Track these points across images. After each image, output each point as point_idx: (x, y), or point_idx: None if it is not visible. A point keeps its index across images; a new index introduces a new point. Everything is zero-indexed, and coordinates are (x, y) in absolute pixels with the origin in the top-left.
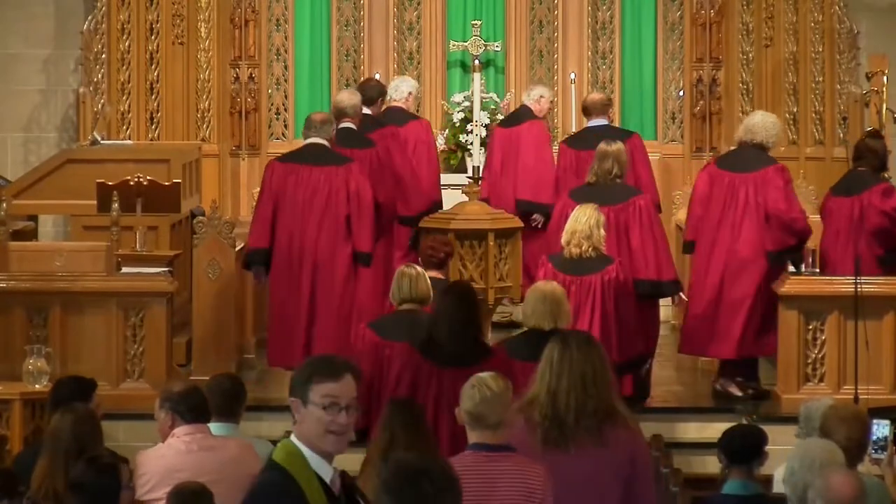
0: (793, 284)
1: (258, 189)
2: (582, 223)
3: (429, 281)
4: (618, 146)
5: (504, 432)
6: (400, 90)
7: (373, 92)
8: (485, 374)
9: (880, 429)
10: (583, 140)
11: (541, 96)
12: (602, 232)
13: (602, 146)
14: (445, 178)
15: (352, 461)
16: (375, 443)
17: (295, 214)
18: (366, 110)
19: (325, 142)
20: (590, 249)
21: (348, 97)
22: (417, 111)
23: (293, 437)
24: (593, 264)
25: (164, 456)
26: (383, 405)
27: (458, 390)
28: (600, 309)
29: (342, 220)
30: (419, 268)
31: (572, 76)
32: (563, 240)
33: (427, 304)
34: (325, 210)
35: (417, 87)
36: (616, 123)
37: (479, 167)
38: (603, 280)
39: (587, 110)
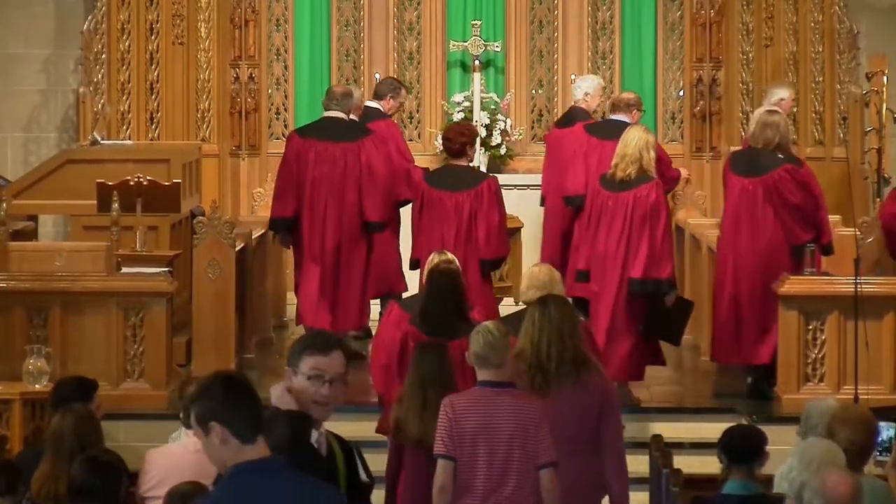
0: (793, 284)
1: (258, 189)
2: (632, 147)
3: (456, 264)
4: (779, 116)
5: (506, 371)
6: (574, 94)
7: (385, 88)
8: (488, 322)
9: (884, 431)
10: (601, 129)
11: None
12: (652, 154)
13: (766, 116)
14: None
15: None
16: (408, 380)
17: (315, 190)
18: (376, 104)
19: (343, 115)
20: (636, 171)
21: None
22: (594, 111)
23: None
24: (632, 182)
25: (170, 454)
26: (404, 372)
27: (449, 357)
28: (630, 224)
29: (357, 193)
30: (449, 254)
31: (573, 77)
32: (613, 162)
33: None
34: (343, 185)
35: (595, 86)
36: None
37: (478, 167)
38: (636, 196)
39: (614, 106)
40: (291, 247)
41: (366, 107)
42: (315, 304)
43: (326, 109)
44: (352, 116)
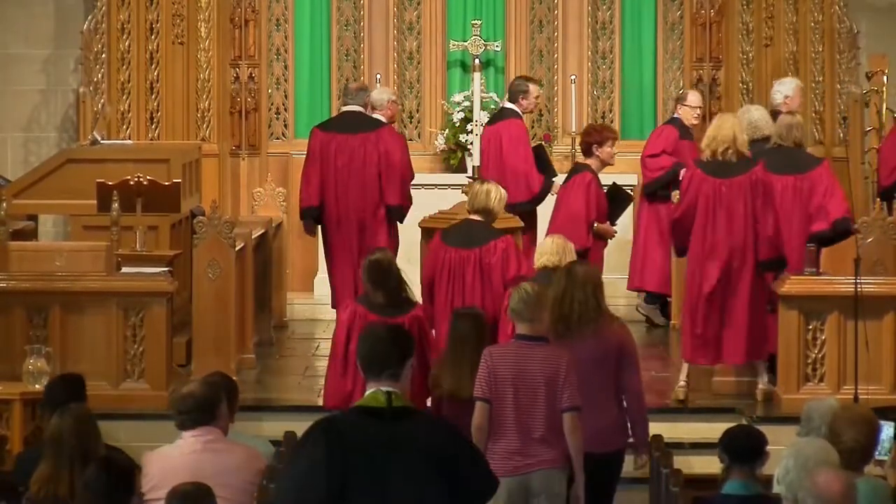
0: (793, 284)
1: (258, 189)
2: (726, 129)
3: (493, 196)
4: (798, 118)
5: (539, 326)
6: (774, 98)
7: (515, 89)
8: (525, 283)
9: (883, 430)
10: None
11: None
12: (744, 137)
13: (786, 118)
14: (446, 178)
15: None
16: (447, 346)
17: (338, 179)
18: (512, 105)
19: (360, 108)
20: (732, 154)
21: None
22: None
23: (399, 390)
24: (739, 167)
25: (168, 456)
26: (436, 302)
27: (483, 322)
28: (751, 207)
29: (376, 180)
30: (489, 184)
31: (572, 78)
32: (704, 144)
33: (489, 216)
34: (362, 173)
35: (794, 88)
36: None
37: (478, 167)
38: (751, 180)
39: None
40: (319, 235)
41: (503, 108)
42: (352, 288)
43: (344, 105)
44: (378, 115)
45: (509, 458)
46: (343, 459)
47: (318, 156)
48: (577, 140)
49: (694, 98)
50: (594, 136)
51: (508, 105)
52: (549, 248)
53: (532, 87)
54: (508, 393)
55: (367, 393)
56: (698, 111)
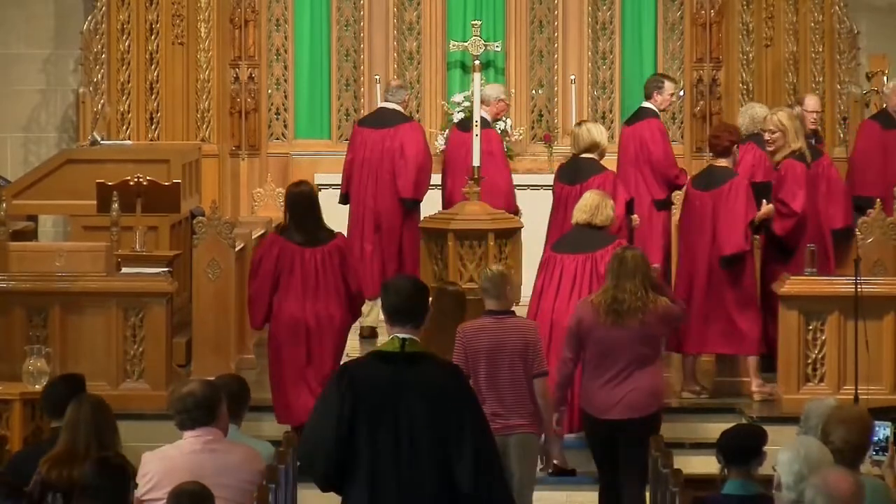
0: (793, 284)
1: (258, 189)
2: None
3: (594, 131)
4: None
5: (505, 302)
6: (892, 98)
7: (649, 86)
8: (493, 264)
9: (881, 430)
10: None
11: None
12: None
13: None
14: None
15: None
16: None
17: (361, 173)
18: (648, 104)
19: (396, 106)
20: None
21: None
22: None
23: (417, 338)
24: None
25: (167, 456)
26: (549, 236)
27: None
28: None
29: (392, 174)
30: (586, 124)
31: (572, 78)
32: (800, 144)
33: (592, 152)
34: (379, 167)
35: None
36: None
37: (479, 167)
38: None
39: None
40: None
41: (640, 108)
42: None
43: (384, 101)
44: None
45: (490, 421)
46: (353, 401)
47: (350, 149)
48: (714, 138)
49: (812, 102)
50: (736, 136)
51: (646, 104)
52: (583, 206)
53: (668, 84)
54: (483, 364)
55: (387, 339)
56: (815, 115)
